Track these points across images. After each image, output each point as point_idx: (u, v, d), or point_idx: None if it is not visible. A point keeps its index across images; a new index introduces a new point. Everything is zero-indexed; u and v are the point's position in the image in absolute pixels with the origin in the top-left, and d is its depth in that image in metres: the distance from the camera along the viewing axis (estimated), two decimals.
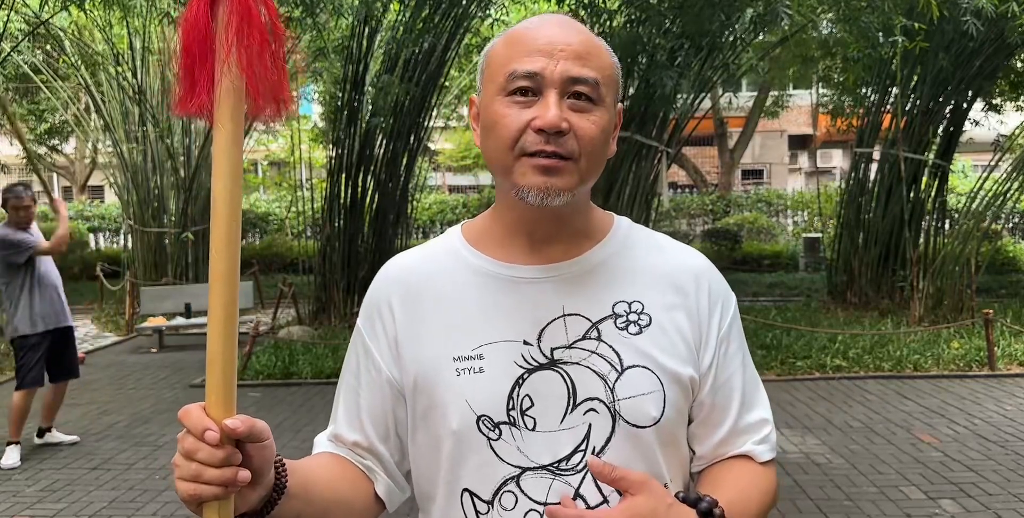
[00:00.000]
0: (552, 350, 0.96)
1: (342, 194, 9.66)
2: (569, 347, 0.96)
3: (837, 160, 24.27)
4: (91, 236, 18.07)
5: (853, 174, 10.39)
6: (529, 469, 0.94)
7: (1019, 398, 5.99)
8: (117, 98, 11.54)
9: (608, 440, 0.95)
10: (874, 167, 10.07)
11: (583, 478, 0.94)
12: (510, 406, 0.95)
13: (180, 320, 9.45)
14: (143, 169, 11.47)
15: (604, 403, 0.95)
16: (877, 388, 6.39)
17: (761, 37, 8.46)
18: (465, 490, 0.96)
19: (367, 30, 9.29)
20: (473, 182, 23.48)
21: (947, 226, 10.51)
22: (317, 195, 11.44)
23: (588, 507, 0.93)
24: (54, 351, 5.08)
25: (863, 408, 5.80)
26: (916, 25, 7.10)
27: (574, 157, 0.93)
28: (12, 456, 4.94)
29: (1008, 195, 9.13)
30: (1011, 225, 15.87)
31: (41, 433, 5.29)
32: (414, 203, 11.57)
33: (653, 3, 6.84)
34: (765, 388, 1.09)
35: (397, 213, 10.18)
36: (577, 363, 0.96)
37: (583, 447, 0.94)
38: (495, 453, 0.95)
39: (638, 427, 0.95)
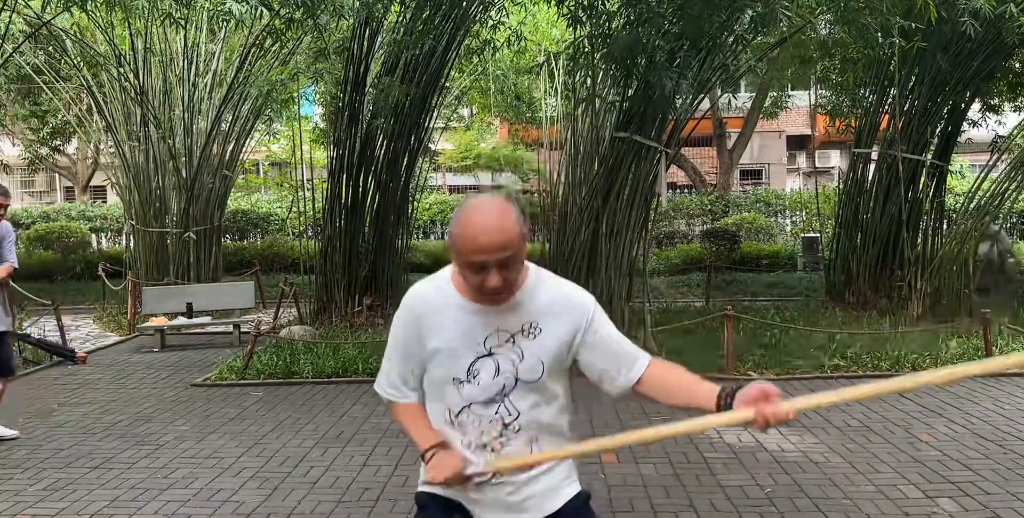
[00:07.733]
0: (490, 347, 1.88)
1: (343, 194, 9.68)
2: (499, 346, 1.88)
3: (835, 160, 24.27)
4: (93, 236, 18.09)
5: (851, 174, 10.41)
6: (475, 402, 1.89)
7: (1017, 397, 6.01)
8: (119, 99, 11.57)
9: (513, 388, 1.87)
10: (872, 167, 10.09)
11: (499, 406, 1.88)
12: (468, 373, 1.88)
13: (182, 320, 9.48)
14: (145, 169, 11.49)
15: (511, 374, 1.87)
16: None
17: (760, 38, 8.48)
18: (446, 407, 1.93)
19: (368, 32, 9.31)
20: (473, 182, 23.48)
21: (945, 226, 10.53)
22: (318, 195, 11.46)
23: (504, 423, 1.88)
24: None
25: (861, 407, 5.81)
26: (914, 25, 7.12)
27: (510, 290, 1.82)
28: None
29: (1006, 195, 9.15)
30: (1009, 225, 15.89)
31: None
32: (415, 203, 11.58)
33: (652, 4, 6.84)
34: None
35: (398, 213, 10.21)
36: (501, 354, 1.88)
37: (503, 392, 1.88)
38: (459, 393, 1.90)
39: (530, 382, 1.88)
